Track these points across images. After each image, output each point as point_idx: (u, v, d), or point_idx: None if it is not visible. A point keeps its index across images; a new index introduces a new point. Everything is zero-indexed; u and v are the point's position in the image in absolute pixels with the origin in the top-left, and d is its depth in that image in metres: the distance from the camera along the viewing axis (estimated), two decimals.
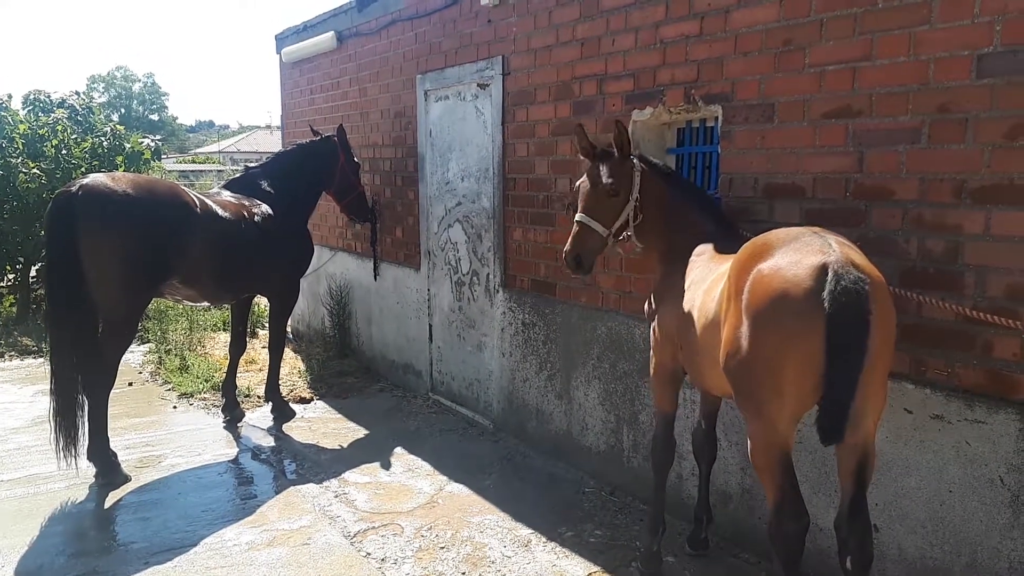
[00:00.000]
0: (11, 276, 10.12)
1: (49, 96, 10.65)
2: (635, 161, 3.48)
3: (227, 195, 5.63)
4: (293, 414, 6.14)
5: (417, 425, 5.95)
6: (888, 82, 3.07)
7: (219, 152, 47.80)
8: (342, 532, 4.16)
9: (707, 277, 3.06)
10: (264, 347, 7.44)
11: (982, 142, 2.81)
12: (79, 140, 9.83)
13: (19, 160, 9.11)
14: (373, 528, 4.21)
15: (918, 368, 3.06)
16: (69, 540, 4.08)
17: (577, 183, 3.63)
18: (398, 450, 5.40)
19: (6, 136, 9.26)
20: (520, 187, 5.26)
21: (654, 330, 3.53)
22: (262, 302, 8.13)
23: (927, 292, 2.95)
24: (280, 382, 6.30)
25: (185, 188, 5.28)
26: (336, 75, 7.79)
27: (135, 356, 7.98)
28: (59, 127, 9.65)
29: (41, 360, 7.77)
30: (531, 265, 5.23)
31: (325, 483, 4.83)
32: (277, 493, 4.71)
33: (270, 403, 6.16)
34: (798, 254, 2.43)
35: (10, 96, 10.02)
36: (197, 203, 5.06)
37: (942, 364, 2.99)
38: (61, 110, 10.09)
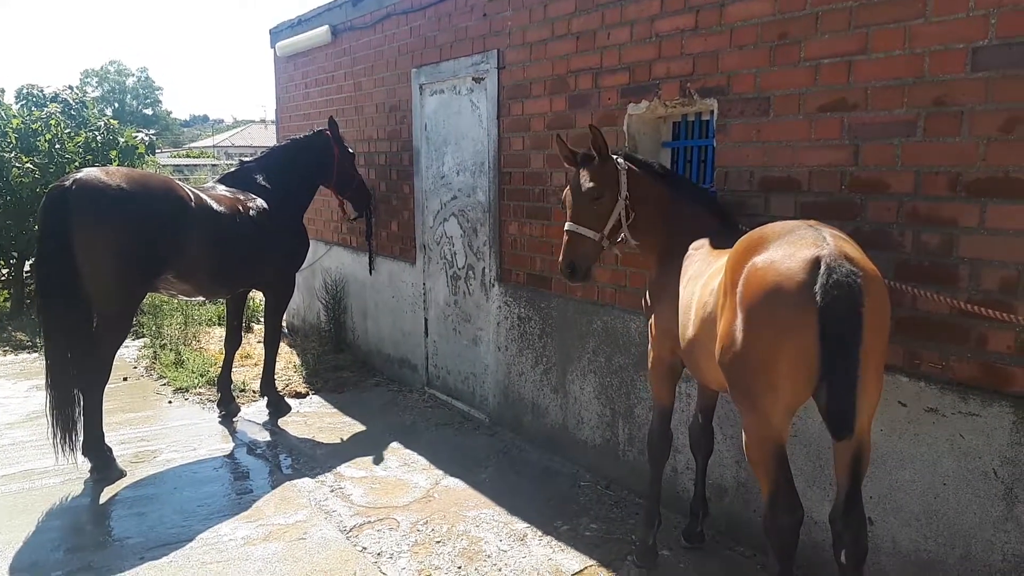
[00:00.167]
0: (4, 271, 10.08)
1: (42, 90, 10.61)
2: (620, 161, 3.48)
3: (222, 189, 5.61)
4: (288, 409, 6.13)
5: (413, 419, 5.95)
6: (883, 75, 3.07)
7: (213, 146, 47.66)
8: (338, 527, 4.16)
9: (705, 271, 3.06)
10: (259, 342, 7.43)
11: (977, 135, 2.81)
12: (72, 134, 9.78)
13: (12, 155, 9.07)
14: (369, 523, 4.21)
15: (912, 361, 3.06)
16: (64, 535, 4.08)
17: (564, 192, 3.63)
18: (394, 444, 5.40)
19: None
20: (516, 181, 5.25)
21: (651, 324, 3.54)
22: (257, 296, 8.13)
23: (922, 285, 2.95)
24: (275, 377, 6.30)
25: (180, 182, 5.26)
26: (331, 69, 7.76)
27: (130, 351, 7.96)
28: (52, 121, 9.61)
29: (36, 355, 7.75)
30: (527, 259, 5.22)
31: (321, 478, 4.83)
32: (273, 488, 4.71)
33: (265, 398, 6.15)
34: (792, 247, 2.43)
35: (3, 90, 10.00)
36: (191, 197, 5.04)
37: (936, 357, 2.99)
38: (54, 104, 10.04)
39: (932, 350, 3.01)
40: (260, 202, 5.67)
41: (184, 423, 5.90)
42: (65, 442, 4.60)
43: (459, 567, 3.73)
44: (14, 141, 9.29)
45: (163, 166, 18.53)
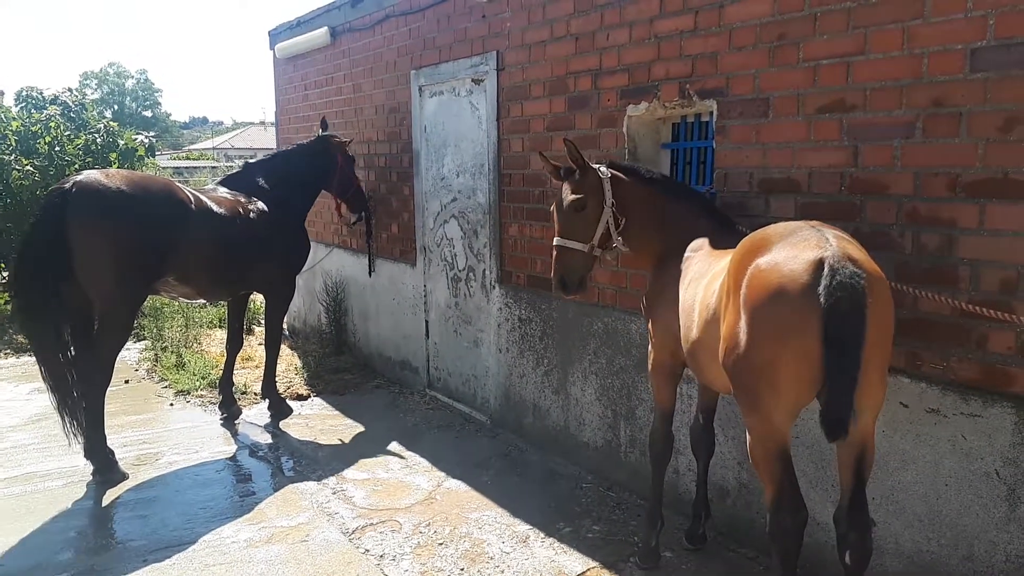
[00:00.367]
0: (5, 274, 10.09)
1: (42, 93, 10.62)
2: (602, 170, 3.49)
3: (223, 191, 5.61)
4: (290, 411, 6.14)
5: (414, 421, 5.96)
6: (882, 76, 3.07)
7: (213, 148, 47.62)
8: (340, 529, 4.17)
9: (706, 272, 3.06)
10: (260, 344, 7.43)
11: (976, 136, 2.81)
12: (72, 137, 9.80)
13: (12, 157, 9.08)
14: (371, 525, 4.21)
15: (914, 362, 3.07)
16: (67, 538, 4.08)
17: (552, 207, 3.64)
18: (395, 447, 5.40)
19: None
20: (516, 182, 5.25)
21: (651, 327, 3.54)
22: (259, 299, 8.13)
23: (922, 286, 2.95)
24: (277, 379, 6.30)
25: (180, 185, 5.27)
26: (330, 71, 7.77)
27: (131, 353, 7.97)
28: (52, 124, 9.62)
29: None
30: (527, 261, 5.22)
31: (323, 480, 4.83)
32: (275, 490, 4.71)
33: (267, 400, 6.15)
34: (795, 249, 2.43)
35: (2, 93, 10.01)
36: (192, 199, 5.05)
37: (937, 358, 3.00)
38: (54, 107, 10.06)
39: (933, 351, 3.01)
40: (261, 204, 5.67)
41: (186, 426, 5.90)
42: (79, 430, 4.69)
43: (462, 569, 3.73)
44: (14, 143, 9.31)
45: (163, 168, 18.53)
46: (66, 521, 4.29)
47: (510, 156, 5.27)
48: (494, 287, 5.55)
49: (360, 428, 5.85)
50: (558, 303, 4.96)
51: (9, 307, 9.73)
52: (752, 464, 2.65)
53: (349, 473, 4.94)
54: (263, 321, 7.10)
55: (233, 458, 5.28)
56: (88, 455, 4.79)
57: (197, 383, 6.77)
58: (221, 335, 8.24)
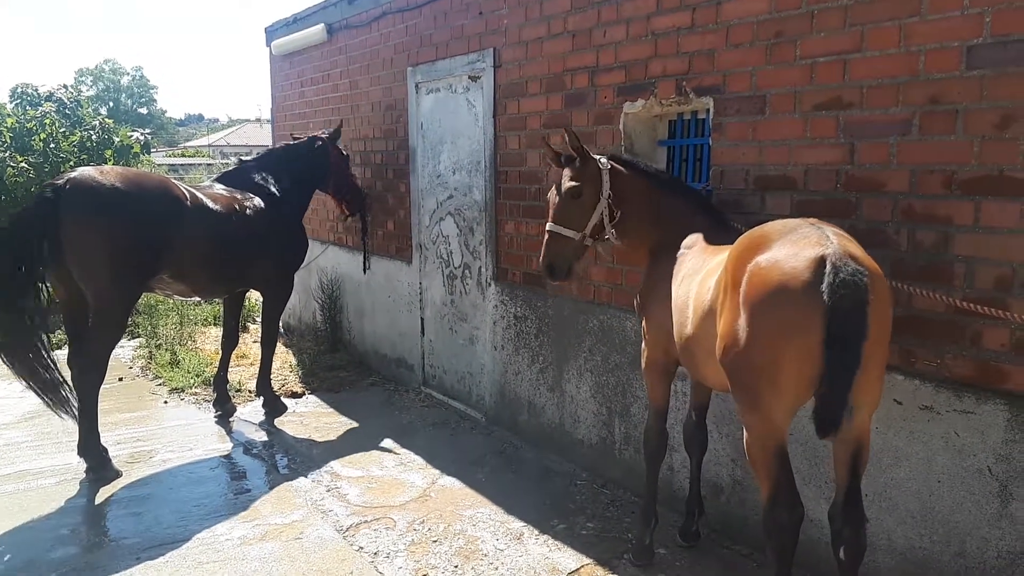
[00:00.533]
0: None
1: (36, 89, 10.59)
2: (602, 161, 3.49)
3: (219, 188, 5.60)
4: (285, 408, 6.12)
5: (409, 419, 5.95)
6: (879, 74, 3.07)
7: (209, 146, 47.47)
8: (334, 526, 4.16)
9: (700, 269, 3.06)
10: (255, 341, 7.42)
11: (972, 133, 2.82)
12: (67, 134, 9.76)
13: (7, 154, 9.05)
14: (366, 522, 4.20)
15: (908, 359, 3.07)
16: (60, 535, 4.06)
17: (549, 193, 3.65)
18: (390, 444, 5.39)
19: None
20: (512, 180, 5.25)
21: (644, 324, 3.54)
22: (253, 296, 8.11)
23: (917, 283, 2.96)
24: (272, 376, 6.29)
25: (176, 181, 5.25)
26: (326, 68, 7.75)
27: (125, 351, 7.94)
28: (47, 121, 9.58)
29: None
30: (523, 258, 5.22)
31: (317, 477, 4.82)
32: (269, 488, 4.70)
33: (262, 397, 6.14)
34: (796, 246, 2.42)
35: None
36: (187, 196, 5.03)
37: (931, 355, 3.00)
38: (49, 104, 10.03)
39: (927, 348, 3.02)
40: (258, 201, 5.65)
41: (180, 423, 5.89)
42: (64, 406, 4.72)
43: (456, 566, 3.73)
44: (8, 140, 9.27)
45: (158, 165, 18.48)
46: (59, 519, 4.27)
47: (506, 153, 5.27)
48: (490, 284, 5.55)
49: (355, 425, 5.84)
50: (554, 300, 4.96)
51: None
52: (749, 461, 2.64)
53: (343, 470, 4.93)
54: (259, 318, 7.10)
55: (227, 456, 5.26)
56: (81, 452, 4.77)
57: (191, 380, 6.76)
58: (215, 332, 8.22)
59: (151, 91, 71.49)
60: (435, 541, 3.98)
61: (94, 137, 9.90)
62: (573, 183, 3.46)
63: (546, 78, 4.83)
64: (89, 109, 10.81)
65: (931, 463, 3.03)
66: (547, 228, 3.54)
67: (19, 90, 10.56)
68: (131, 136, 10.42)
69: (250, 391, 6.52)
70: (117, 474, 4.81)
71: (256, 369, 6.38)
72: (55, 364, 4.71)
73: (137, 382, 7.00)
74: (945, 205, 2.92)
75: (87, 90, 60.29)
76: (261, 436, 5.64)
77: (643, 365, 3.59)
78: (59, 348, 7.87)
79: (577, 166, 3.50)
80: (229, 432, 5.72)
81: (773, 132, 3.51)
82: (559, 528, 4.09)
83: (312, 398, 6.54)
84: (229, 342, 6.12)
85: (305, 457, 5.19)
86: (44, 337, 4.68)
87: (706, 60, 3.78)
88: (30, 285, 4.56)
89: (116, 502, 4.49)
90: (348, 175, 6.58)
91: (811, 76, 3.32)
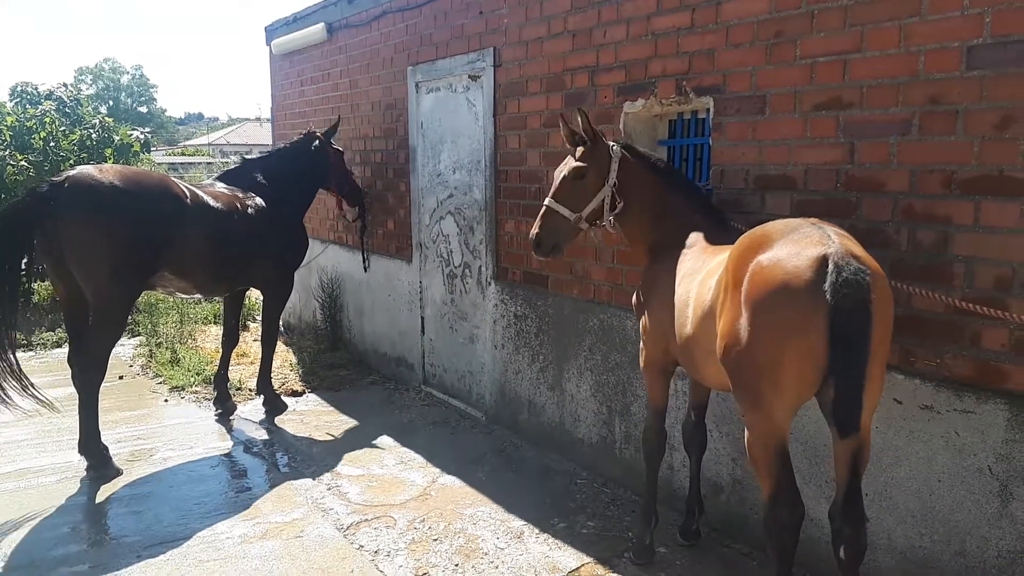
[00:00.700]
0: None
1: (36, 88, 10.61)
2: (615, 148, 3.48)
3: (220, 186, 5.60)
4: (285, 407, 6.13)
5: (410, 418, 5.96)
6: (879, 74, 3.07)
7: (208, 144, 47.48)
8: (335, 525, 4.16)
9: (701, 268, 3.06)
10: (255, 340, 7.43)
11: (972, 133, 2.82)
12: (67, 132, 9.77)
13: (7, 152, 9.05)
14: (366, 520, 4.21)
15: (908, 358, 3.08)
16: (61, 534, 4.07)
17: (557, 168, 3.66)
18: (391, 443, 5.40)
19: None
20: (512, 179, 5.25)
21: (643, 323, 3.54)
22: (254, 294, 8.11)
23: (917, 283, 2.96)
24: (272, 375, 6.29)
25: (176, 180, 5.25)
26: (326, 67, 7.75)
27: (126, 349, 7.95)
28: (47, 119, 9.59)
29: (31, 353, 7.74)
30: (523, 257, 5.22)
31: (318, 476, 4.83)
32: (270, 486, 4.71)
33: (262, 396, 6.14)
34: (797, 245, 2.42)
35: None
36: (187, 194, 5.03)
37: (931, 355, 3.01)
38: (49, 102, 10.05)
39: (927, 347, 3.02)
40: (259, 200, 5.66)
41: (180, 421, 5.89)
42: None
43: (456, 565, 3.73)
44: (8, 139, 9.28)
45: (158, 164, 18.46)
46: (60, 517, 4.27)
47: (506, 152, 5.27)
48: (490, 283, 5.55)
49: (355, 424, 5.84)
50: (554, 299, 4.96)
51: None
52: (750, 460, 2.65)
53: (344, 469, 4.94)
54: (259, 317, 7.10)
55: (228, 454, 5.27)
56: (82, 451, 4.78)
57: (192, 379, 6.76)
58: (216, 331, 8.22)
59: (151, 90, 71.45)
60: (435, 539, 3.98)
61: (94, 136, 9.90)
62: (579, 164, 3.47)
63: (546, 78, 4.83)
64: (89, 108, 10.83)
65: (931, 462, 3.03)
66: (545, 203, 3.54)
67: (19, 89, 10.58)
68: (131, 135, 10.43)
69: (250, 389, 6.52)
70: (118, 472, 4.82)
71: (256, 367, 6.38)
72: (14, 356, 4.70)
73: (137, 380, 7.00)
74: (945, 205, 2.92)
75: (87, 89, 60.24)
76: (261, 434, 5.65)
77: (642, 364, 3.60)
78: (58, 347, 7.96)
79: (586, 147, 3.50)
80: (229, 430, 5.72)
81: (773, 132, 3.52)
82: (559, 527, 4.10)
83: (312, 396, 6.54)
84: (229, 340, 6.13)
85: (305, 455, 5.20)
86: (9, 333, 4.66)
87: (706, 60, 3.79)
88: (11, 280, 4.55)
89: (117, 500, 4.49)
90: (345, 172, 6.58)
91: (811, 76, 3.32)
